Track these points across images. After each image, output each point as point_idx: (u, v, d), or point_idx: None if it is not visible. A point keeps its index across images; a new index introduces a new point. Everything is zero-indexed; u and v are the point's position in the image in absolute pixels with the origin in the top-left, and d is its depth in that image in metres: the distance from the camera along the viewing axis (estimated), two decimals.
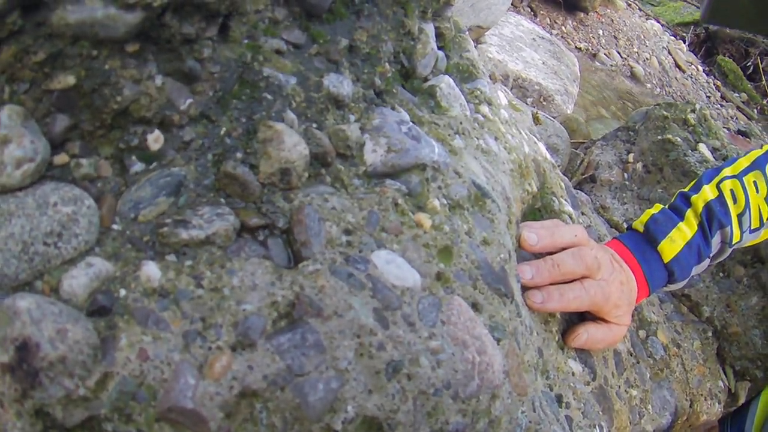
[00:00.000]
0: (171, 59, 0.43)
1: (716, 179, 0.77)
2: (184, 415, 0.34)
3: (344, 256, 0.42)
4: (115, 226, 0.44)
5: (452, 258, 0.47)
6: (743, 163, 0.79)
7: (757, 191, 0.77)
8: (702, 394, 0.82)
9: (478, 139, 0.63)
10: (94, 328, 0.38)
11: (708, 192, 0.76)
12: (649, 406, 0.73)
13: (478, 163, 0.59)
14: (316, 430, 0.37)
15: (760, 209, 0.77)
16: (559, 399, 0.59)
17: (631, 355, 0.75)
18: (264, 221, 0.44)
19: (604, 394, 0.65)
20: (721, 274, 0.93)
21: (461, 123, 0.61)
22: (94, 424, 0.36)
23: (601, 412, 0.64)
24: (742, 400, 0.87)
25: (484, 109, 0.69)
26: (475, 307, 0.46)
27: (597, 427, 0.62)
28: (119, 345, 0.37)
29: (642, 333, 0.80)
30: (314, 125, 0.47)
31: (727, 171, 0.78)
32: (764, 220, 0.77)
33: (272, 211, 0.44)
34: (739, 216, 0.76)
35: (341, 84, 0.49)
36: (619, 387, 0.70)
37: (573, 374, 0.63)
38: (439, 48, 0.70)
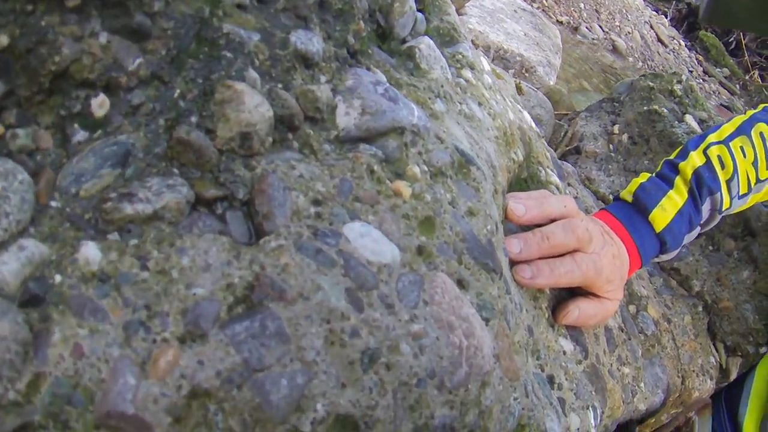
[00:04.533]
0: (118, 14, 0.38)
1: (702, 145, 0.75)
2: (125, 421, 0.29)
3: (312, 230, 0.37)
4: (53, 203, 0.38)
5: (435, 230, 0.42)
6: (728, 128, 0.76)
7: (744, 156, 0.74)
8: (694, 371, 0.80)
9: (460, 103, 0.58)
10: (26, 321, 0.33)
11: (696, 158, 0.73)
12: (642, 384, 0.70)
13: (461, 129, 0.54)
14: None
15: (747, 174, 0.75)
16: (551, 380, 0.56)
17: (622, 332, 0.72)
18: (222, 192, 0.39)
19: (597, 373, 0.62)
20: (710, 248, 0.90)
21: (442, 86, 0.56)
22: None
23: (594, 392, 0.60)
24: (733, 376, 0.85)
25: (467, 73, 0.64)
26: (460, 284, 0.42)
27: (590, 408, 0.59)
28: (52, 340, 0.32)
29: (632, 308, 0.77)
30: (279, 86, 0.42)
31: (712, 137, 0.75)
32: (752, 186, 0.75)
33: (231, 181, 0.39)
34: (728, 182, 0.73)
35: (310, 41, 0.44)
36: (611, 365, 0.67)
37: (564, 353, 0.59)
38: (419, 10, 0.65)
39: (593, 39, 3.17)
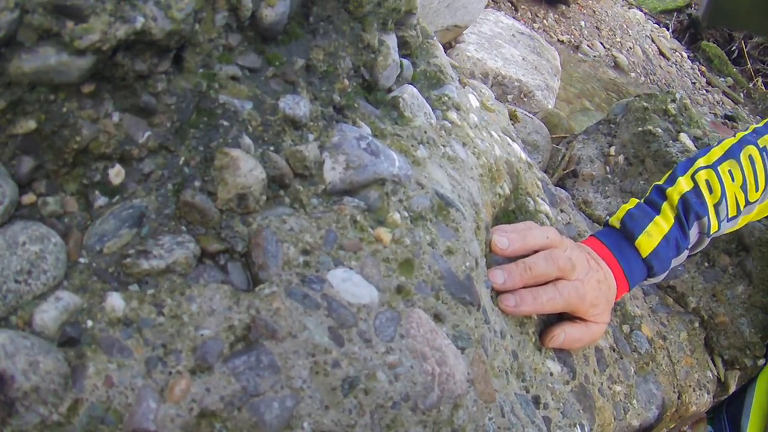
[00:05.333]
0: (126, 96, 0.45)
1: (691, 170, 0.77)
2: None
3: (300, 277, 0.43)
4: (81, 260, 0.45)
5: (413, 270, 0.48)
6: (717, 152, 0.79)
7: (733, 180, 0.77)
8: (690, 385, 0.83)
9: (444, 146, 0.63)
10: (65, 359, 0.40)
11: (683, 184, 0.76)
12: (634, 401, 0.74)
13: (443, 172, 0.59)
14: None
15: (736, 197, 0.77)
16: (536, 400, 0.60)
17: (614, 351, 0.75)
18: (224, 246, 0.45)
19: (585, 392, 0.66)
20: (706, 264, 0.93)
21: (425, 132, 0.61)
22: None
23: (581, 411, 0.64)
24: (732, 389, 0.87)
25: (452, 115, 0.70)
26: (437, 317, 0.47)
27: (578, 425, 0.63)
28: (87, 373, 0.39)
29: (626, 328, 0.81)
30: (271, 148, 0.48)
31: (701, 161, 0.78)
32: (741, 208, 0.77)
33: (231, 236, 0.45)
34: (716, 206, 0.76)
35: (297, 105, 0.50)
36: (602, 384, 0.70)
37: (551, 374, 0.63)
38: (406, 56, 0.71)
39: (595, 56, 3.21)
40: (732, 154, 0.78)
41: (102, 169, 0.45)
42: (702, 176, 0.76)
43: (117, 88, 0.44)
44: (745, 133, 0.83)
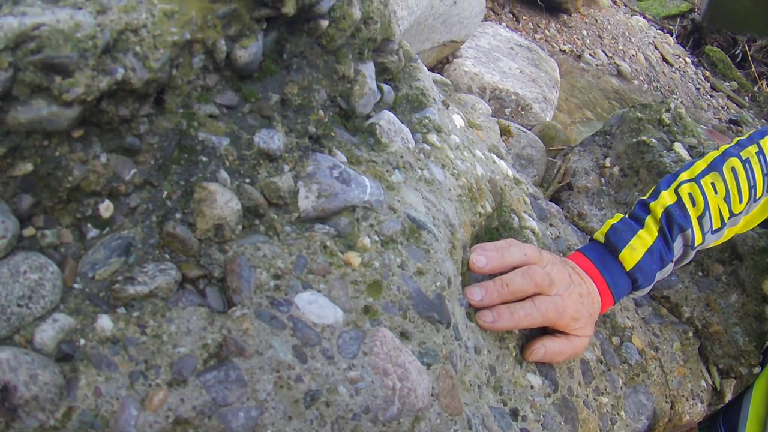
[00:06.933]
0: (113, 138, 0.49)
1: (674, 184, 0.79)
2: None
3: (270, 300, 0.46)
4: (76, 285, 0.50)
5: (381, 291, 0.51)
6: (700, 165, 0.80)
7: (716, 192, 0.78)
8: (683, 395, 0.83)
9: (421, 170, 0.66)
10: (60, 372, 0.45)
11: (666, 197, 0.77)
12: (622, 412, 0.75)
13: (418, 195, 0.63)
14: None
15: (720, 209, 0.78)
16: (514, 413, 0.62)
17: (601, 363, 0.77)
18: (202, 272, 0.49)
19: (567, 404, 0.68)
20: (699, 274, 0.93)
21: (402, 157, 0.65)
22: None
23: (563, 423, 0.66)
24: (728, 398, 0.87)
25: (432, 137, 0.73)
26: (404, 335, 0.50)
27: None
28: (79, 384, 0.44)
29: (615, 339, 0.82)
30: (247, 180, 0.52)
31: (684, 175, 0.79)
32: (726, 220, 0.78)
33: (209, 263, 0.49)
34: (699, 218, 0.77)
35: (271, 139, 0.54)
36: (587, 396, 0.72)
37: (532, 387, 0.65)
38: (387, 81, 0.74)
39: (597, 65, 3.19)
40: (715, 167, 0.79)
41: (93, 204, 0.50)
42: (685, 189, 0.78)
43: (103, 131, 0.49)
44: (729, 146, 0.84)
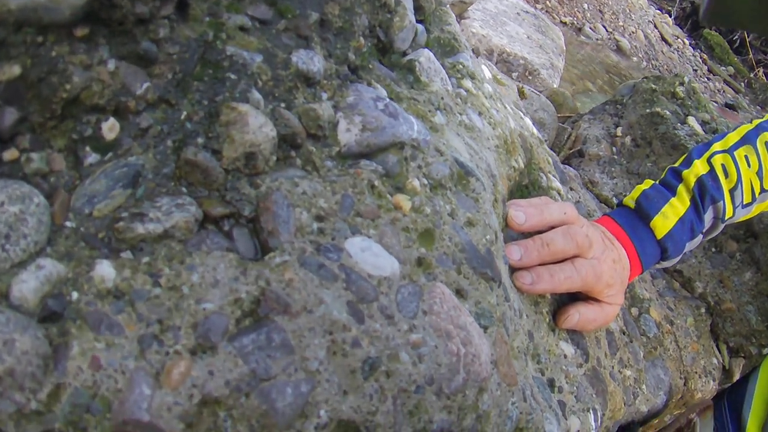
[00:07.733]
0: (124, 42, 0.40)
1: (707, 154, 0.75)
2: (141, 428, 0.31)
3: (315, 245, 0.39)
4: (68, 223, 0.40)
5: (434, 242, 0.44)
6: (733, 137, 0.77)
7: (749, 166, 0.75)
8: (696, 372, 0.81)
9: (460, 114, 0.59)
10: (45, 336, 0.35)
11: (699, 167, 0.74)
12: (644, 386, 0.71)
13: (461, 140, 0.56)
14: None
15: (752, 184, 0.75)
16: (551, 383, 0.57)
17: (624, 334, 0.73)
18: (229, 210, 0.40)
19: (598, 375, 0.63)
20: (713, 250, 0.91)
21: (442, 98, 0.57)
22: None
23: (594, 395, 0.62)
24: (736, 377, 0.86)
25: (467, 83, 0.66)
26: (459, 293, 0.43)
27: (591, 410, 0.60)
28: (71, 353, 0.34)
29: (634, 310, 0.78)
30: (282, 105, 0.44)
31: (717, 146, 0.76)
32: (756, 195, 0.75)
33: (237, 199, 0.40)
34: (731, 191, 0.74)
35: (311, 60, 0.46)
36: (613, 367, 0.68)
37: (565, 356, 0.61)
38: (419, 21, 0.66)
39: (597, 39, 3.17)
40: (748, 139, 0.76)
41: (94, 123, 0.40)
42: (718, 160, 0.74)
43: (114, 32, 0.39)
44: (762, 120, 0.81)
